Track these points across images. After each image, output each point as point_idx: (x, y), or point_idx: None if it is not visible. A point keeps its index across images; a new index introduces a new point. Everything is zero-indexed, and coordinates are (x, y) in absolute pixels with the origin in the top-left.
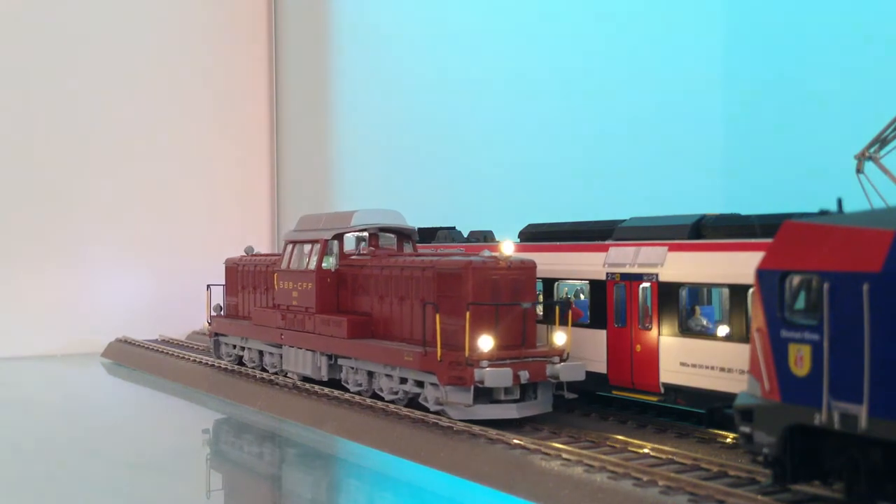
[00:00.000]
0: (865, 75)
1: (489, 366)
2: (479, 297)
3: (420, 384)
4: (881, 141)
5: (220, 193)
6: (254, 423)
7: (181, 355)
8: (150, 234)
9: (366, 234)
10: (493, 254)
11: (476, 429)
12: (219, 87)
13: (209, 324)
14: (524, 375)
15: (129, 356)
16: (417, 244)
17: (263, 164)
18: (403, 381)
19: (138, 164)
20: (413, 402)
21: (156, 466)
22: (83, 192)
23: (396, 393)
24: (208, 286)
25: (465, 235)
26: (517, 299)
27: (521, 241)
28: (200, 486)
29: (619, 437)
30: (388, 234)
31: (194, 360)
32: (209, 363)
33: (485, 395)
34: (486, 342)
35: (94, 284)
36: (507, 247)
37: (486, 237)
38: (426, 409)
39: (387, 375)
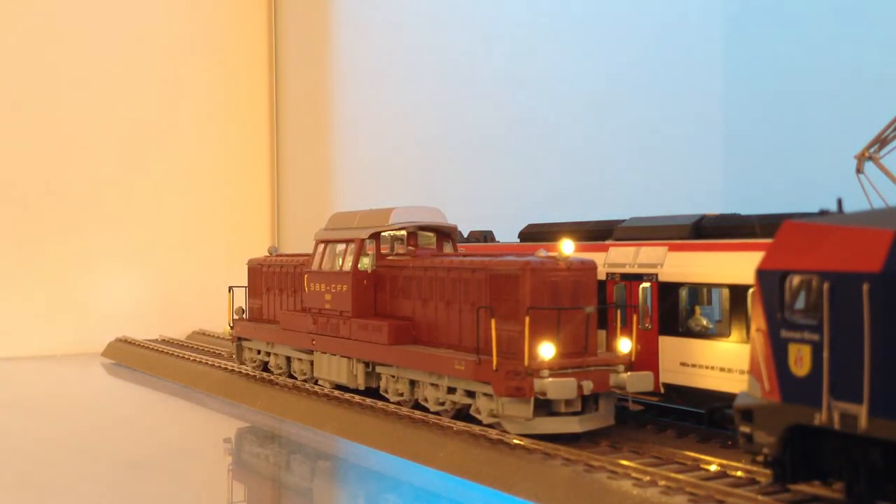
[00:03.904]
0: (865, 75)
1: (551, 375)
2: (538, 301)
3: (470, 394)
4: (881, 141)
5: (221, 193)
6: (257, 422)
7: (181, 355)
8: (151, 234)
9: (404, 232)
10: (551, 254)
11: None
12: (219, 86)
13: (231, 327)
14: (587, 386)
15: (129, 356)
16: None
17: (264, 164)
18: (451, 390)
19: (138, 165)
20: (461, 413)
21: (156, 466)
22: (83, 192)
23: (443, 404)
24: (230, 288)
25: (465, 235)
26: (578, 302)
27: (521, 241)
28: (201, 484)
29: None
30: (426, 233)
31: (194, 360)
32: (210, 363)
33: (543, 407)
34: (547, 350)
35: (94, 284)
36: (567, 246)
37: (486, 237)
38: (477, 422)
39: (432, 385)
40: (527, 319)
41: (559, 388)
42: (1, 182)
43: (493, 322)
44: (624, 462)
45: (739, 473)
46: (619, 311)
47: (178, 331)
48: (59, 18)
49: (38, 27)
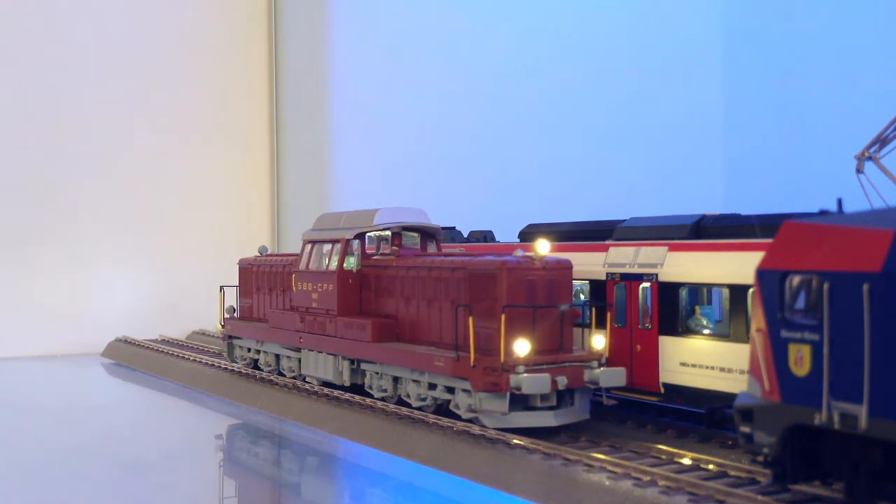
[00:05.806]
0: (866, 75)
1: (526, 371)
2: (515, 299)
3: (450, 390)
4: (881, 141)
5: (221, 193)
6: (257, 421)
7: (181, 355)
8: (151, 234)
9: (388, 233)
10: (528, 254)
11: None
12: (219, 86)
13: (222, 326)
14: (562, 381)
15: (129, 356)
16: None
17: (263, 165)
18: (432, 386)
19: (138, 165)
20: (442, 408)
21: (155, 466)
22: (83, 192)
23: (424, 399)
24: (221, 287)
25: (465, 235)
26: (553, 301)
27: (521, 241)
28: (201, 484)
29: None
30: (410, 233)
31: (194, 360)
32: (209, 363)
33: (519, 402)
34: (522, 346)
35: (94, 284)
36: (543, 246)
37: (486, 237)
38: (456, 417)
39: (414, 381)
40: (503, 317)
41: (533, 383)
42: (1, 182)
43: (470, 320)
44: (624, 462)
45: (739, 473)
46: (593, 310)
47: (177, 331)
48: (61, 18)
49: (40, 26)
